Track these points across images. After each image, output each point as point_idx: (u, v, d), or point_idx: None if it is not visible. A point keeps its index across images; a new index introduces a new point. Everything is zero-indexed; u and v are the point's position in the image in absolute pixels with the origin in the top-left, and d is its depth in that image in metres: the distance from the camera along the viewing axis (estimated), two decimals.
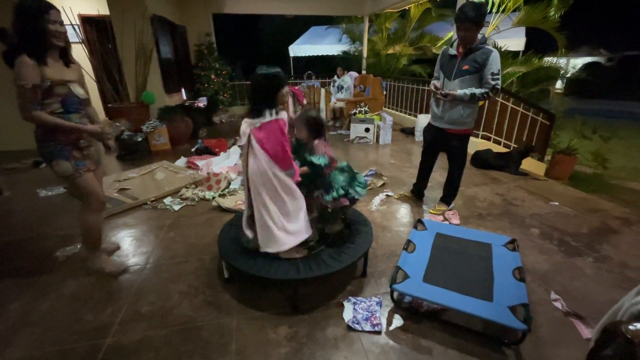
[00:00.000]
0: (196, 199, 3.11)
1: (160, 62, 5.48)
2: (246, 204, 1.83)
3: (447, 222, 2.63)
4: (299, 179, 1.75)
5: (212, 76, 7.11)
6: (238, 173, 3.65)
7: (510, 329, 1.47)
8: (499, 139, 4.72)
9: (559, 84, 6.96)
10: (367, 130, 5.19)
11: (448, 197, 2.82)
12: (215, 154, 4.39)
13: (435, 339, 1.56)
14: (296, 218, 1.76)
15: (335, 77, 6.74)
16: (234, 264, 1.77)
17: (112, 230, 2.62)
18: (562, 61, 6.40)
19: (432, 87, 2.50)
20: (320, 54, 10.98)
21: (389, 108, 7.55)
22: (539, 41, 6.90)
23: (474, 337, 1.57)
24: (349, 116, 5.67)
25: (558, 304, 1.76)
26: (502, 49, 5.54)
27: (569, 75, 6.48)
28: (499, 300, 1.55)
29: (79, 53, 4.24)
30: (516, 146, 4.36)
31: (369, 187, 3.36)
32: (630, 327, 0.59)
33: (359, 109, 5.52)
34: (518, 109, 4.46)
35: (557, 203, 3.04)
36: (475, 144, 4.38)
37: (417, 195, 3.07)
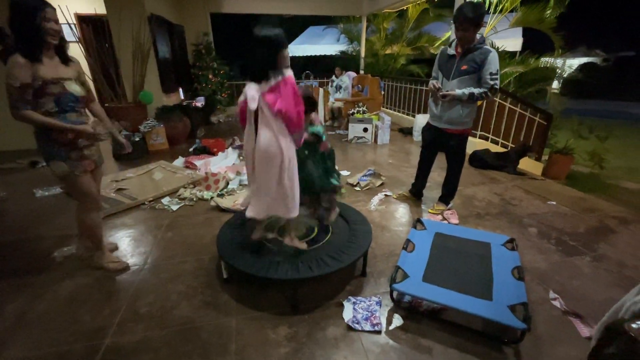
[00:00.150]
0: (194, 199, 3.09)
1: (158, 61, 5.45)
2: (250, 178, 1.76)
3: (446, 222, 2.63)
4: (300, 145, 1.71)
5: (210, 76, 7.09)
6: (237, 173, 3.64)
7: (510, 328, 1.47)
8: (497, 138, 4.74)
9: (555, 84, 7.00)
10: (365, 130, 5.19)
11: (447, 196, 2.82)
12: (214, 154, 4.38)
13: (435, 338, 1.56)
14: (296, 191, 1.72)
15: (334, 77, 6.75)
16: (233, 264, 1.76)
17: (110, 230, 2.61)
18: (558, 62, 6.44)
19: (432, 87, 2.50)
20: (318, 54, 10.98)
21: (386, 108, 7.56)
22: (536, 42, 6.93)
23: (474, 336, 1.57)
24: (347, 116, 5.67)
25: (557, 303, 1.77)
26: (500, 49, 5.56)
27: (565, 75, 6.52)
28: (498, 299, 1.55)
29: (76, 52, 4.20)
30: (514, 146, 4.39)
31: (367, 187, 3.36)
32: (634, 326, 0.59)
33: (357, 108, 5.52)
34: (515, 109, 4.48)
35: (554, 202, 3.05)
36: (473, 144, 4.39)
37: (415, 195, 3.08)
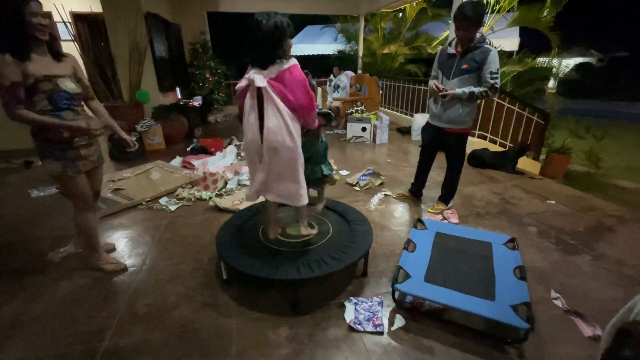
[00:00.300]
0: (192, 199, 3.07)
1: (155, 60, 5.41)
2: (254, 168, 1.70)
3: (446, 221, 2.63)
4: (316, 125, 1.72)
5: (207, 75, 7.04)
6: (235, 172, 3.61)
7: (513, 328, 1.46)
8: (495, 138, 4.75)
9: (551, 84, 7.04)
10: (364, 129, 5.19)
11: (446, 196, 2.82)
12: (211, 154, 4.35)
13: (437, 339, 1.55)
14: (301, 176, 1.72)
15: (332, 77, 6.73)
16: (233, 265, 1.74)
17: (107, 231, 2.57)
18: (554, 61, 6.47)
19: (432, 87, 2.49)
20: (315, 53, 10.96)
21: (384, 107, 7.56)
22: (532, 41, 6.97)
23: (476, 336, 1.56)
24: (346, 115, 5.66)
25: (558, 302, 1.77)
26: (497, 49, 5.56)
27: (561, 75, 6.54)
28: (501, 299, 1.54)
29: (71, 51, 4.16)
30: (512, 145, 4.40)
31: (367, 187, 3.35)
32: None
33: (355, 108, 5.51)
34: (514, 108, 4.49)
35: (553, 202, 3.06)
36: (472, 143, 4.40)
37: (415, 194, 3.07)
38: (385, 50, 8.87)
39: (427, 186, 3.12)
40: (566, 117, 5.22)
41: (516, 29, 7.89)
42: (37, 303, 1.81)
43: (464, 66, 2.35)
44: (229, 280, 1.93)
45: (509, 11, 5.43)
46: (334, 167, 3.95)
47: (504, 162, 3.93)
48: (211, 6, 7.37)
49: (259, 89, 1.50)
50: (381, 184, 3.45)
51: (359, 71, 8.30)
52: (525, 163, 4.29)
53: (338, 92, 6.51)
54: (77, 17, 5.79)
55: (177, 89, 6.30)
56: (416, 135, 5.39)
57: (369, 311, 1.66)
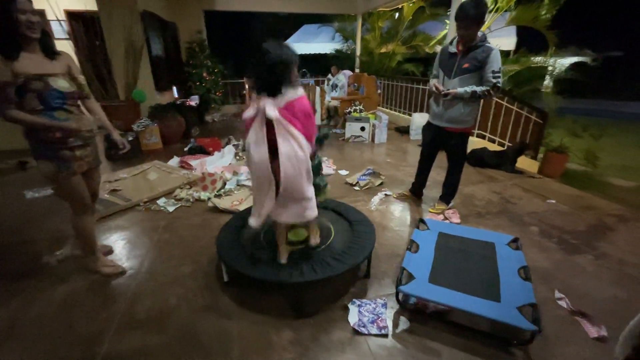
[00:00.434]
0: (191, 200, 3.03)
1: (151, 59, 5.35)
2: (262, 198, 1.64)
3: (447, 221, 2.62)
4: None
5: (204, 74, 6.98)
6: (233, 172, 3.58)
7: (518, 329, 1.45)
8: (494, 137, 4.75)
9: (547, 83, 7.04)
10: (362, 129, 5.17)
11: (447, 195, 2.81)
12: (209, 154, 4.31)
13: (442, 341, 1.53)
14: None
15: (330, 76, 6.71)
16: (234, 267, 1.71)
17: (104, 233, 2.53)
18: (552, 61, 6.48)
19: (433, 88, 2.48)
20: (312, 53, 10.91)
21: (382, 107, 7.54)
22: (529, 41, 7.00)
23: (481, 337, 1.55)
24: (344, 115, 5.63)
25: (563, 303, 1.76)
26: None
27: (558, 74, 6.56)
28: (506, 300, 1.53)
29: (65, 50, 4.09)
30: (510, 145, 4.40)
31: (367, 187, 3.33)
32: None
33: (354, 107, 5.49)
34: (512, 107, 4.49)
35: (554, 201, 3.06)
36: (471, 143, 4.38)
37: (415, 194, 3.05)
38: (383, 50, 8.84)
39: (428, 186, 3.10)
40: (563, 116, 5.24)
41: (513, 28, 7.91)
42: (33, 307, 1.77)
43: (466, 65, 2.33)
44: (230, 282, 1.90)
45: (506, 10, 5.43)
46: (333, 166, 3.95)
47: (503, 161, 3.93)
48: (208, 5, 7.31)
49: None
50: (381, 183, 3.44)
51: (357, 70, 8.28)
52: (523, 162, 4.29)
53: (336, 91, 6.48)
54: (72, 15, 5.70)
55: (174, 88, 6.24)
56: (415, 135, 5.38)
57: (372, 313, 1.64)
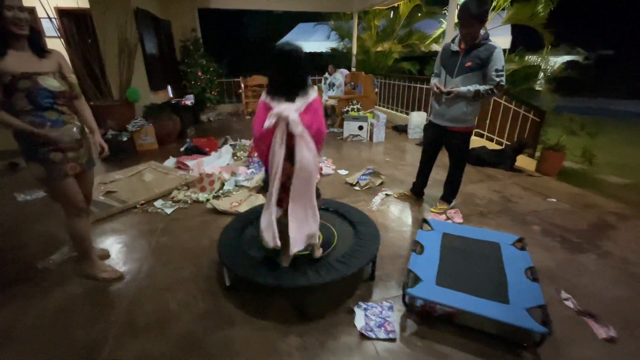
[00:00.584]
0: (189, 202, 2.97)
1: (145, 58, 5.25)
2: (273, 203, 1.58)
3: (450, 221, 2.60)
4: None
5: (199, 73, 6.89)
6: (232, 173, 3.52)
7: (527, 332, 1.43)
8: (492, 135, 4.76)
9: (540, 81, 7.09)
10: (360, 128, 5.13)
11: (449, 195, 2.79)
12: (206, 154, 4.24)
13: (451, 344, 1.51)
14: None
15: (327, 75, 6.66)
16: (237, 272, 1.67)
17: (100, 236, 2.46)
18: (542, 59, 6.51)
19: (435, 88, 2.45)
20: (308, 51, 10.85)
21: (379, 106, 7.52)
22: (524, 39, 7.03)
23: (490, 340, 1.52)
24: (342, 114, 5.60)
25: (569, 303, 1.75)
26: None
27: (554, 72, 6.59)
28: (515, 302, 1.51)
29: (57, 48, 3.99)
30: (509, 143, 4.40)
31: (367, 187, 3.30)
32: None
33: (352, 106, 5.46)
34: (510, 106, 4.50)
35: (554, 199, 3.06)
36: (470, 141, 4.38)
37: (416, 194, 3.03)
38: (379, 48, 8.82)
39: (428, 185, 3.08)
40: (560, 114, 5.26)
41: (508, 27, 7.93)
42: (28, 315, 1.70)
43: (468, 64, 2.31)
44: (232, 287, 1.85)
45: (503, 9, 5.44)
46: (332, 166, 3.91)
47: (503, 159, 3.93)
48: (202, 2, 7.20)
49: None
50: (381, 183, 3.41)
51: (353, 69, 8.24)
52: (521, 160, 4.30)
53: (333, 90, 6.44)
54: (63, 13, 5.57)
55: (169, 87, 6.15)
56: (413, 134, 5.37)
57: (379, 317, 1.61)
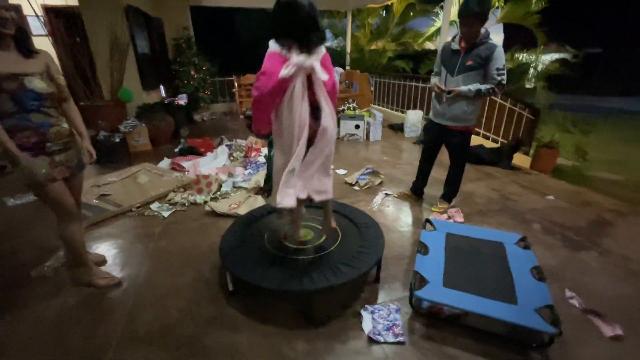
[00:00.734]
0: (186, 204, 2.91)
1: (137, 57, 5.14)
2: (296, 156, 1.50)
3: (451, 220, 2.59)
4: None
5: (192, 72, 6.78)
6: (229, 174, 3.47)
7: (536, 332, 1.42)
8: (488, 134, 4.78)
9: (530, 79, 7.17)
10: (357, 127, 5.11)
11: (450, 194, 2.78)
12: (201, 154, 4.17)
13: (460, 346, 1.49)
14: None
15: None
16: (241, 277, 1.63)
17: (95, 241, 2.39)
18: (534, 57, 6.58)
19: (435, 88, 2.44)
20: None
21: (375, 104, 7.51)
22: (514, 38, 7.10)
23: (498, 341, 1.51)
24: (338, 113, 5.57)
25: (574, 302, 1.75)
26: None
27: (546, 70, 6.67)
28: (523, 302, 1.50)
29: (45, 47, 3.87)
30: (505, 141, 4.43)
31: (367, 186, 3.28)
32: None
33: (347, 105, 5.43)
34: (505, 104, 4.53)
35: (552, 197, 3.08)
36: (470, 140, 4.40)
37: (416, 193, 3.02)
38: (373, 46, 8.82)
39: (428, 184, 3.07)
40: (553, 112, 5.32)
41: (500, 26, 8.01)
42: (22, 325, 1.64)
43: (469, 62, 2.29)
44: (235, 292, 1.81)
45: (497, 8, 5.47)
46: (332, 166, 3.87)
47: (500, 157, 3.95)
48: (194, 0, 7.08)
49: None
50: (381, 182, 3.39)
51: (347, 67, 8.22)
52: (516, 158, 4.33)
53: None
54: (51, 11, 5.41)
55: (161, 86, 6.03)
56: (409, 132, 5.37)
57: (387, 320, 1.59)
